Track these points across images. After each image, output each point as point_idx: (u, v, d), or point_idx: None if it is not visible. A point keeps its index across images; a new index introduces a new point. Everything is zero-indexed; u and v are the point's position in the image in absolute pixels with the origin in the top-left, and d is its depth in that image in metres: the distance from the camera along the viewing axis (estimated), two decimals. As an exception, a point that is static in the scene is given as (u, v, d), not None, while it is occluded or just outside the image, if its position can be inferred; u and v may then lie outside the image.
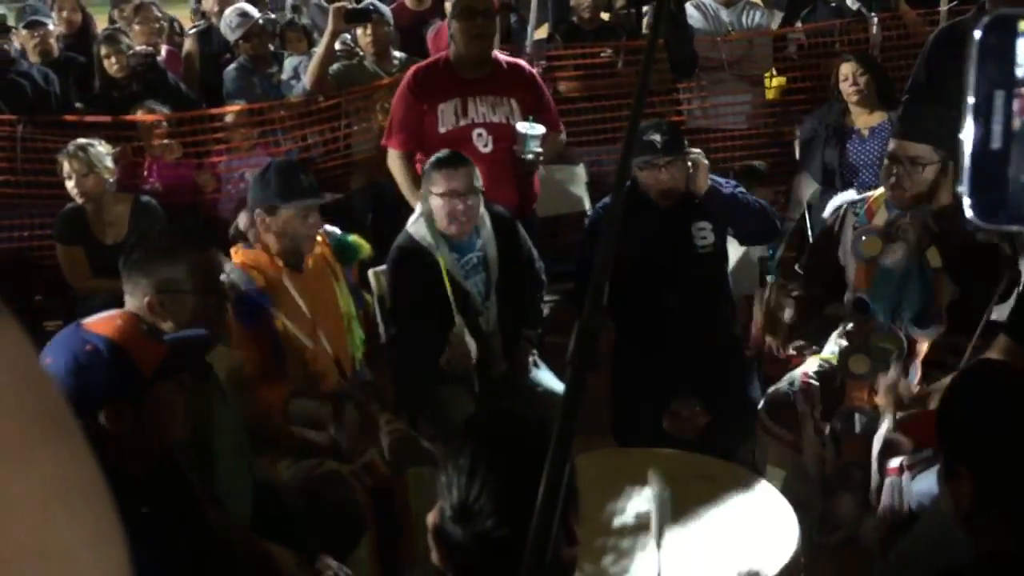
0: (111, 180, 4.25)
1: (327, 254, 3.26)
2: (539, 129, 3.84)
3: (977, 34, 0.42)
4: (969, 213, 0.42)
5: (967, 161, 0.42)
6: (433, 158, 3.40)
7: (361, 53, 5.15)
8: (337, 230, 3.40)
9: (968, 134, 0.42)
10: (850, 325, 3.09)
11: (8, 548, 0.37)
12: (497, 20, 4.20)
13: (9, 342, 0.40)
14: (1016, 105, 0.42)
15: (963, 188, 0.42)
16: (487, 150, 3.86)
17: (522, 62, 4.24)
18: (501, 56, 4.09)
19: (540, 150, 3.84)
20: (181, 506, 2.06)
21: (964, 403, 1.68)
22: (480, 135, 3.89)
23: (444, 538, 1.48)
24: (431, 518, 1.52)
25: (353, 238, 3.43)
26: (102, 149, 4.24)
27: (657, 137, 3.34)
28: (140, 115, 4.93)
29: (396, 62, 5.16)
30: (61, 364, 1.96)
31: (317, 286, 3.19)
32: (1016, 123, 0.42)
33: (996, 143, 0.41)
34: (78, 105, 5.20)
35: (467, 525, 1.44)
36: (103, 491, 0.42)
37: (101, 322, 2.07)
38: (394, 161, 4.00)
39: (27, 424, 0.39)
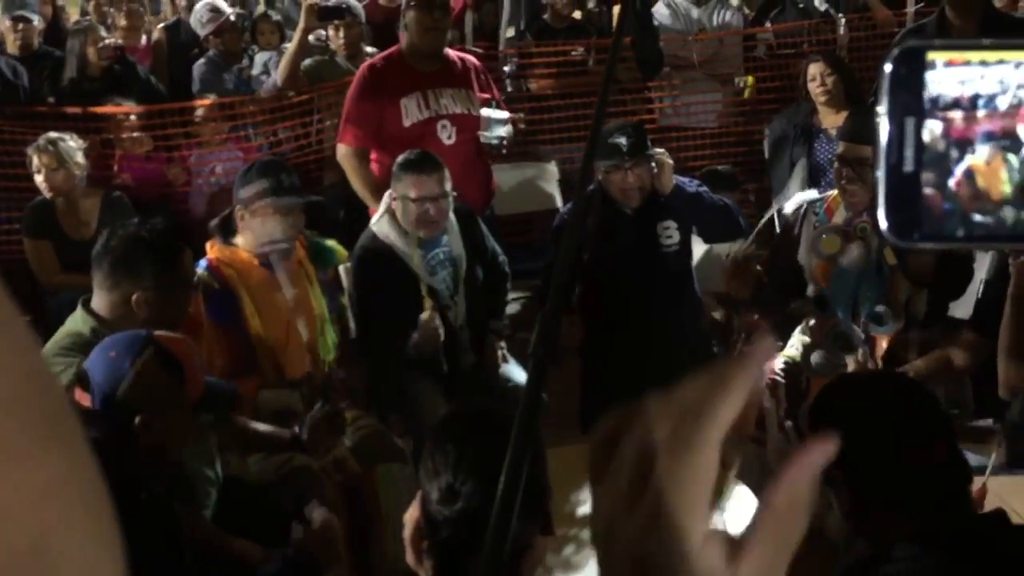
0: (81, 175, 4.22)
1: (302, 256, 3.25)
2: (503, 114, 3.87)
3: (888, 66, 0.45)
4: (884, 231, 0.45)
5: (881, 184, 0.45)
6: (402, 159, 3.36)
7: (333, 50, 5.15)
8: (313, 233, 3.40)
9: (882, 158, 0.45)
10: (811, 322, 3.14)
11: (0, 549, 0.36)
12: (458, 15, 4.21)
13: (12, 340, 0.39)
14: (926, 130, 0.45)
15: (878, 209, 0.45)
16: (451, 142, 3.87)
17: (468, 55, 4.27)
18: (449, 50, 4.12)
19: (504, 134, 3.86)
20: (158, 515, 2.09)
21: (829, 410, 1.78)
22: (444, 127, 3.90)
23: (427, 526, 1.52)
24: (410, 515, 1.55)
25: (331, 243, 3.43)
26: (73, 144, 4.20)
27: (623, 140, 3.36)
28: (107, 108, 4.90)
29: (368, 59, 5.16)
30: (126, 360, 2.05)
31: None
32: (926, 148, 0.44)
33: (909, 167, 0.45)
34: (51, 99, 5.16)
35: (453, 504, 1.50)
36: (104, 497, 0.41)
37: (171, 339, 2.18)
38: (347, 158, 3.96)
39: (28, 424, 0.38)
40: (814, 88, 4.55)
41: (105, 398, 2.03)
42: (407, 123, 3.88)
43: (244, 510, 2.67)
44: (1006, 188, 0.44)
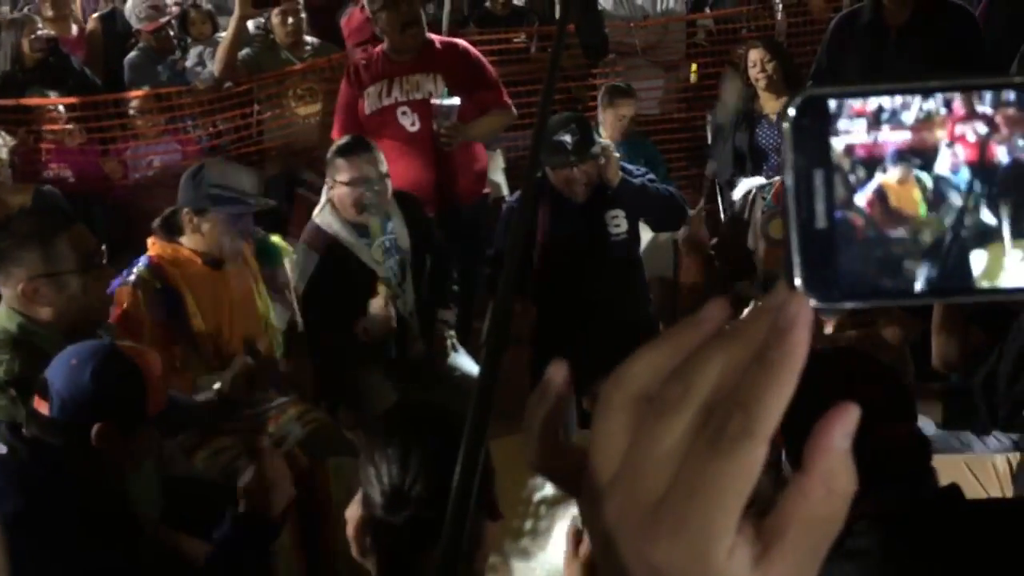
0: (7, 172, 4.13)
1: (247, 254, 3.19)
2: (454, 101, 3.79)
3: (790, 113, 0.41)
4: (802, 293, 0.41)
5: (795, 244, 0.42)
6: (334, 146, 3.36)
7: (272, 39, 5.07)
8: (259, 230, 3.34)
9: (792, 216, 0.42)
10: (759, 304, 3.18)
11: None
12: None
13: None
14: (835, 183, 0.41)
15: (794, 270, 0.41)
16: (415, 129, 3.81)
17: (458, 40, 4.18)
18: (434, 36, 4.04)
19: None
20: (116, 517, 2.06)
21: None
22: (405, 113, 3.84)
23: (371, 528, 1.47)
24: (351, 512, 1.51)
25: (275, 239, 3.37)
26: (-2, 140, 4.12)
27: (567, 138, 3.33)
28: (34, 100, 4.80)
29: (308, 47, 5.09)
30: (88, 369, 2.01)
31: (235, 286, 3.12)
32: (837, 202, 0.41)
33: (821, 223, 0.41)
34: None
35: (401, 511, 1.43)
36: None
37: (135, 351, 2.16)
38: None
39: None
40: (754, 74, 4.59)
41: (63, 406, 2.01)
42: (368, 111, 3.86)
43: (189, 507, 2.63)
44: (926, 240, 0.41)
